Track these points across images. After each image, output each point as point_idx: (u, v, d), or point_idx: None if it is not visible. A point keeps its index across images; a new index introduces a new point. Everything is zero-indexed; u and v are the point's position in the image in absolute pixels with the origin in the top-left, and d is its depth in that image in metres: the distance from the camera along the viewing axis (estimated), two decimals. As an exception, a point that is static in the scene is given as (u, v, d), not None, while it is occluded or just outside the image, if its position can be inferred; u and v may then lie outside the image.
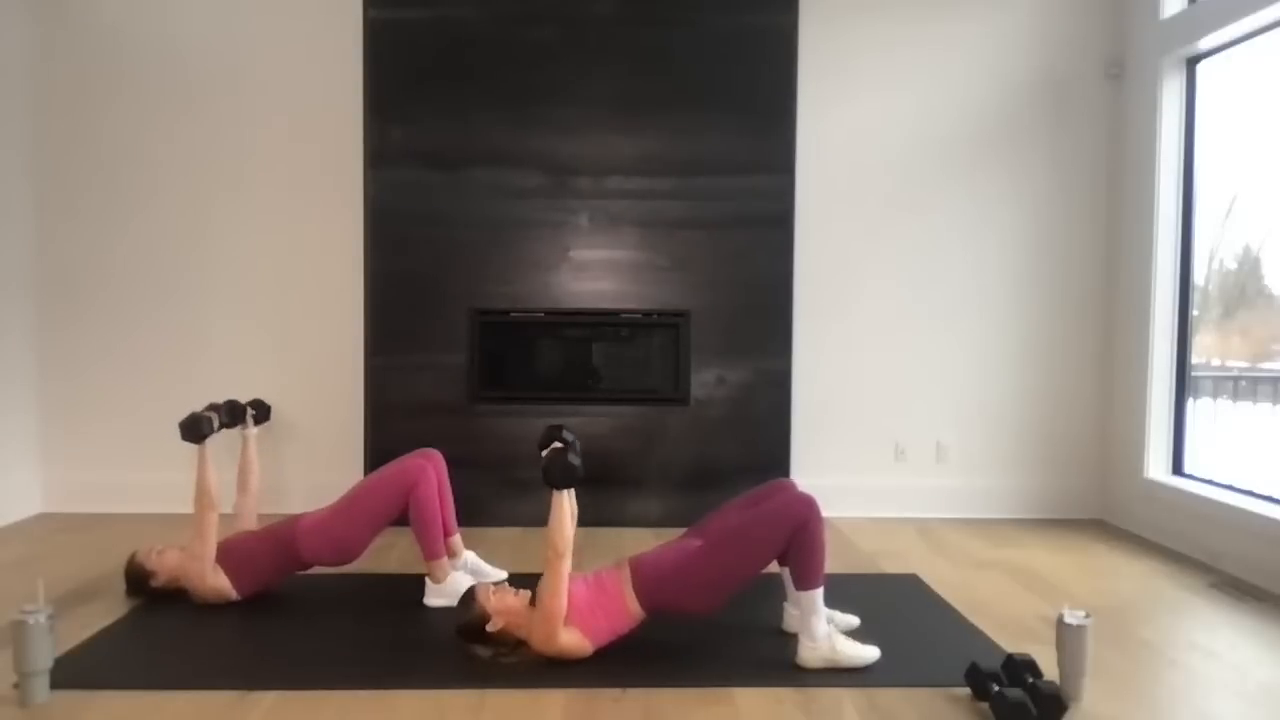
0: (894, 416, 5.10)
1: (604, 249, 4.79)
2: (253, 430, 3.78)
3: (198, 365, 4.95)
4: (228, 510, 3.57)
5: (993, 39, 5.05)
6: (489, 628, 2.80)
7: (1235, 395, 4.70)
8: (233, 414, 3.70)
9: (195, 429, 3.36)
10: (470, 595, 2.89)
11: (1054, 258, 5.10)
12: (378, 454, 4.51)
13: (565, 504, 2.79)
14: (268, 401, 3.97)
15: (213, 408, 3.57)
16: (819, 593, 2.85)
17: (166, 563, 3.38)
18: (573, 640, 2.80)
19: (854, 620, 3.17)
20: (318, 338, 4.97)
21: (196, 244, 4.96)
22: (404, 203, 4.73)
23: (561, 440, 2.94)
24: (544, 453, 2.89)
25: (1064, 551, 4.40)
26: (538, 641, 2.80)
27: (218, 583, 3.34)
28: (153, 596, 3.39)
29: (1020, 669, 2.61)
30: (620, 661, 2.83)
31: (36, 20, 4.87)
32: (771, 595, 3.21)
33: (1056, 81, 5.06)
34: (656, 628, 2.94)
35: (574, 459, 2.79)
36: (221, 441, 3.53)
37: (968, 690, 2.66)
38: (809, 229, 4.93)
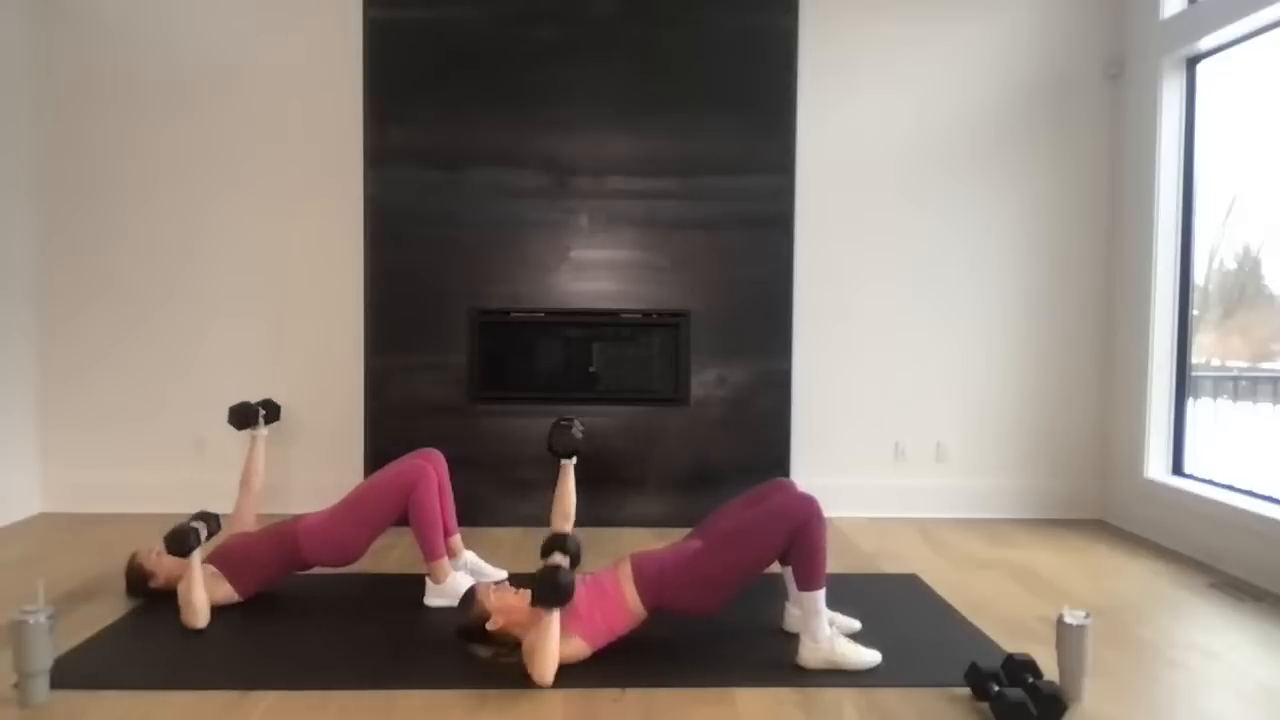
0: (894, 416, 5.10)
1: (604, 249, 4.79)
2: (263, 431, 3.74)
3: (198, 365, 4.95)
4: (228, 511, 3.58)
5: (993, 39, 5.05)
6: (489, 627, 2.80)
7: (1235, 395, 4.70)
8: (243, 418, 3.66)
9: (181, 543, 3.08)
10: (470, 595, 2.89)
11: (1054, 258, 5.10)
12: (378, 454, 4.51)
13: (555, 626, 2.69)
14: (277, 402, 3.92)
15: (202, 516, 3.21)
16: (820, 593, 2.85)
17: (166, 564, 3.38)
18: (569, 649, 2.79)
19: (855, 624, 3.17)
20: (318, 338, 4.97)
21: (196, 244, 4.96)
22: (404, 202, 4.73)
23: (566, 419, 3.12)
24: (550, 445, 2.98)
25: (1064, 551, 4.40)
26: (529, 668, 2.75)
27: (218, 594, 3.31)
28: (152, 597, 3.39)
29: (1020, 669, 2.61)
30: (620, 661, 2.83)
31: (37, 24, 4.86)
32: (772, 595, 3.21)
33: (1056, 81, 5.06)
34: (656, 628, 2.94)
35: (578, 432, 2.93)
36: (229, 439, 3.49)
37: (968, 690, 2.66)
38: (809, 229, 4.93)
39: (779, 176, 4.78)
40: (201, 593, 3.16)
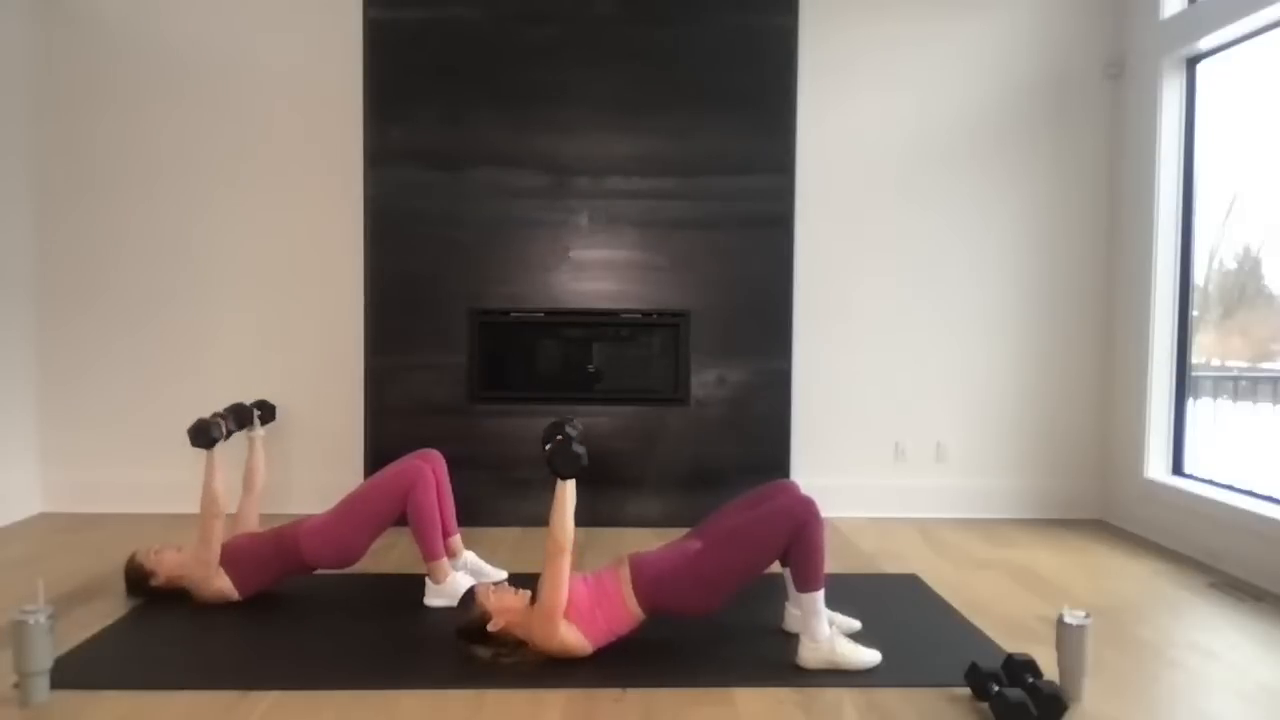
0: (894, 416, 5.10)
1: (604, 249, 4.79)
2: (259, 432, 3.78)
3: (198, 365, 4.95)
4: (232, 510, 3.57)
5: (993, 39, 5.05)
6: (489, 628, 2.81)
7: (1235, 395, 4.70)
8: (238, 417, 3.69)
9: (204, 434, 3.33)
10: (471, 596, 2.89)
11: (1054, 257, 5.10)
12: (378, 454, 4.51)
13: (568, 497, 2.80)
14: (271, 402, 3.95)
15: (222, 414, 3.55)
16: (820, 594, 2.84)
17: (166, 563, 3.38)
18: (572, 636, 2.80)
19: (855, 623, 3.17)
20: (318, 338, 4.97)
21: (196, 244, 4.95)
22: (404, 202, 4.73)
23: (564, 434, 2.96)
24: (547, 445, 2.90)
25: (1064, 551, 4.40)
26: (538, 637, 2.80)
27: (221, 585, 3.35)
28: (152, 596, 3.39)
29: (1020, 669, 2.61)
30: (620, 661, 2.83)
31: (37, 24, 4.86)
32: (771, 595, 3.21)
33: (1056, 81, 5.06)
34: (656, 628, 2.94)
35: (578, 448, 2.83)
36: (229, 439, 3.51)
37: (968, 690, 2.66)
38: (809, 229, 4.93)
39: (779, 176, 4.78)
40: (221, 484, 3.32)
